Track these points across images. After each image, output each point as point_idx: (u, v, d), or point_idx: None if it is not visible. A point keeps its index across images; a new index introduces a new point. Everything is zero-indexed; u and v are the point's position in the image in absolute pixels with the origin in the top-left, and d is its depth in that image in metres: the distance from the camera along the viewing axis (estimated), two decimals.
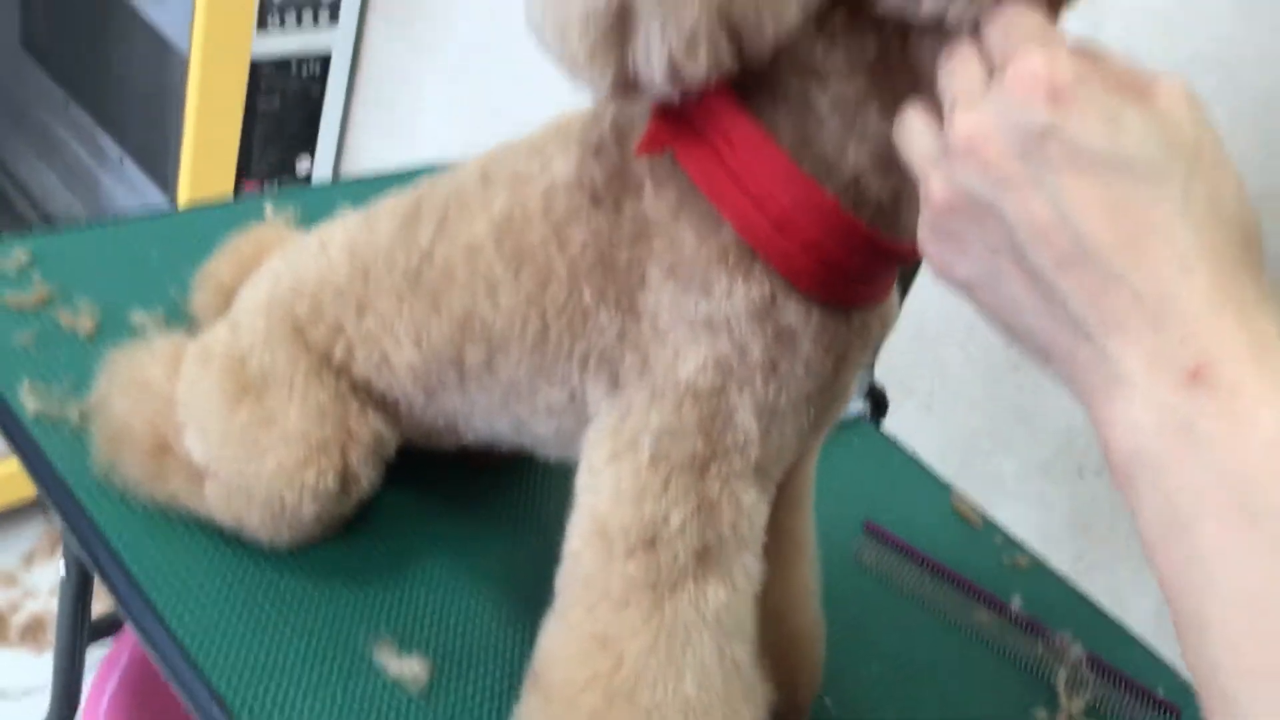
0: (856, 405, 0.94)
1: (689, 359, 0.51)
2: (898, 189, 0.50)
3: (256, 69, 1.49)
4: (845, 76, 0.47)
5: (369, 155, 1.66)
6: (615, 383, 0.54)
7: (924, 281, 0.98)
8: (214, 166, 1.50)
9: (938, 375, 1.14)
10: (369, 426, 0.64)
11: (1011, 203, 0.39)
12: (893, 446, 0.92)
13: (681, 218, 0.51)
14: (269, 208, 0.89)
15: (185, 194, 1.51)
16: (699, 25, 0.44)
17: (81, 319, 0.75)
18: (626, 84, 0.46)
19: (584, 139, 0.54)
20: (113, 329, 0.75)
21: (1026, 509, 1.10)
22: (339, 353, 0.63)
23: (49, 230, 0.82)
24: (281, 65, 1.53)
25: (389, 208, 0.63)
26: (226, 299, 0.71)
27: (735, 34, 0.45)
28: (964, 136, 0.40)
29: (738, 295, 0.50)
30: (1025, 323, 0.41)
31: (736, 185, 0.49)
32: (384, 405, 0.65)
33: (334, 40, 1.55)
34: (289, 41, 1.51)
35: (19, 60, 1.81)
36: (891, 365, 1.16)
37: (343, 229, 0.65)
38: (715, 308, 0.50)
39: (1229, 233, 0.38)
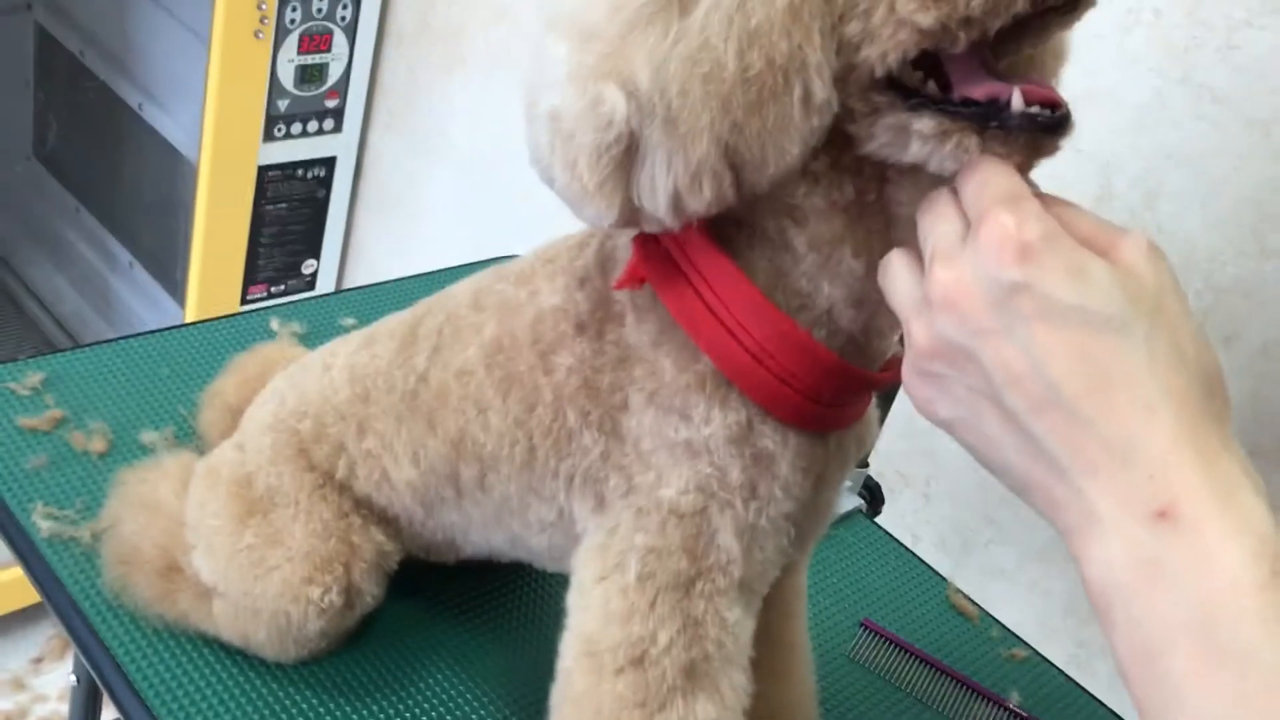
0: (852, 500, 0.96)
1: (671, 481, 0.53)
2: (868, 322, 0.53)
3: (263, 175, 1.53)
4: (823, 217, 0.50)
5: (373, 257, 1.70)
6: (601, 502, 0.56)
7: None
8: (221, 271, 1.54)
9: (934, 464, 1.15)
10: (372, 542, 0.66)
11: (988, 351, 0.42)
12: (889, 540, 0.93)
13: (661, 347, 0.53)
14: (275, 321, 0.91)
15: (193, 298, 1.54)
16: (706, 160, 0.46)
17: (93, 439, 0.77)
18: (630, 215, 0.49)
19: (570, 268, 0.57)
20: (123, 448, 0.77)
21: (1026, 596, 1.11)
22: (341, 471, 0.65)
23: (61, 350, 0.84)
24: (287, 171, 1.57)
25: (387, 329, 0.66)
26: (233, 417, 0.73)
27: (738, 169, 0.47)
28: (942, 289, 0.43)
29: (715, 421, 0.52)
30: (1005, 459, 0.44)
31: (712, 317, 0.51)
32: (386, 520, 0.67)
33: (338, 146, 1.60)
34: (295, 149, 1.55)
35: (31, 169, 1.86)
36: (888, 455, 1.17)
37: (344, 350, 0.68)
38: (694, 433, 0.52)
39: (1190, 379, 0.41)
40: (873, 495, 0.98)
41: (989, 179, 0.44)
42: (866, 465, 0.98)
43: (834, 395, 0.52)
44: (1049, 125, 0.45)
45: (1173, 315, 0.42)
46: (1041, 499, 0.43)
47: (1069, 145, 0.97)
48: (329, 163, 1.61)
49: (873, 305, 0.52)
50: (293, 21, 1.45)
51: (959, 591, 0.91)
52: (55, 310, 1.87)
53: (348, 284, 1.74)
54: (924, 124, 0.46)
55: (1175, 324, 0.41)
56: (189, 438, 0.79)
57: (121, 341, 0.85)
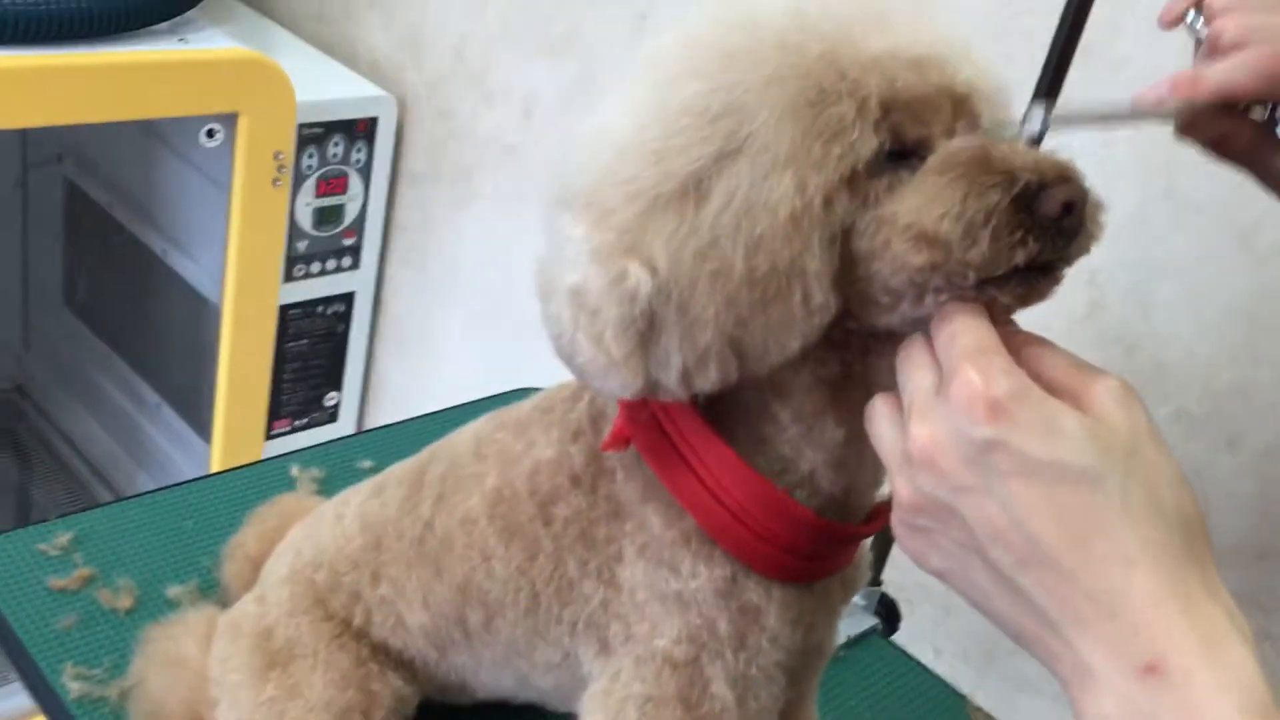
0: (868, 620, 0.96)
1: (664, 631, 0.55)
2: (849, 483, 0.55)
3: (284, 314, 1.58)
4: (808, 392, 0.52)
5: (393, 386, 1.74)
6: (605, 647, 0.58)
7: None
8: (246, 409, 1.58)
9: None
10: (390, 688, 0.68)
11: (969, 508, 0.43)
12: (905, 659, 0.94)
13: (649, 503, 0.55)
14: (295, 468, 0.94)
15: (219, 436, 1.58)
16: (711, 346, 0.48)
17: (121, 596, 0.79)
18: (650, 386, 0.50)
19: (564, 421, 0.59)
20: (150, 604, 0.80)
21: (1052, 706, 1.11)
22: (358, 618, 0.67)
23: (89, 508, 0.87)
24: (308, 308, 1.62)
25: (397, 476, 0.68)
26: (255, 569, 0.76)
27: (742, 356, 0.49)
28: (920, 448, 0.44)
29: (701, 575, 0.54)
30: (998, 610, 0.45)
31: (694, 478, 0.53)
32: (402, 664, 0.68)
33: (356, 283, 1.65)
34: (314, 287, 1.60)
35: (63, 316, 1.92)
36: (906, 568, 1.18)
37: (355, 499, 0.70)
38: (683, 585, 0.54)
39: (1169, 526, 0.41)
40: (889, 612, 0.98)
41: (958, 331, 0.45)
42: (880, 583, 0.99)
43: (815, 550, 0.54)
44: (1045, 268, 0.47)
45: (1148, 462, 0.42)
46: (1038, 649, 0.44)
47: None
48: (348, 298, 1.65)
49: (853, 468, 0.54)
50: (309, 167, 1.51)
51: (979, 709, 0.91)
52: (87, 452, 1.91)
53: (369, 414, 1.77)
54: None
55: (1151, 471, 0.42)
56: (213, 590, 0.81)
57: (147, 496, 0.88)
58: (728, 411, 0.53)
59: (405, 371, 1.72)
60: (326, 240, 1.58)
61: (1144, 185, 0.96)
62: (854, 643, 0.93)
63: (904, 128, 0.48)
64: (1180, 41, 0.92)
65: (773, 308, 0.47)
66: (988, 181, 0.45)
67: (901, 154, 0.48)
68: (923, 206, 0.46)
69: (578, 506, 0.57)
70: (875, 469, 0.55)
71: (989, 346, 0.44)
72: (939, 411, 0.44)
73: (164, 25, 1.33)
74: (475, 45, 1.47)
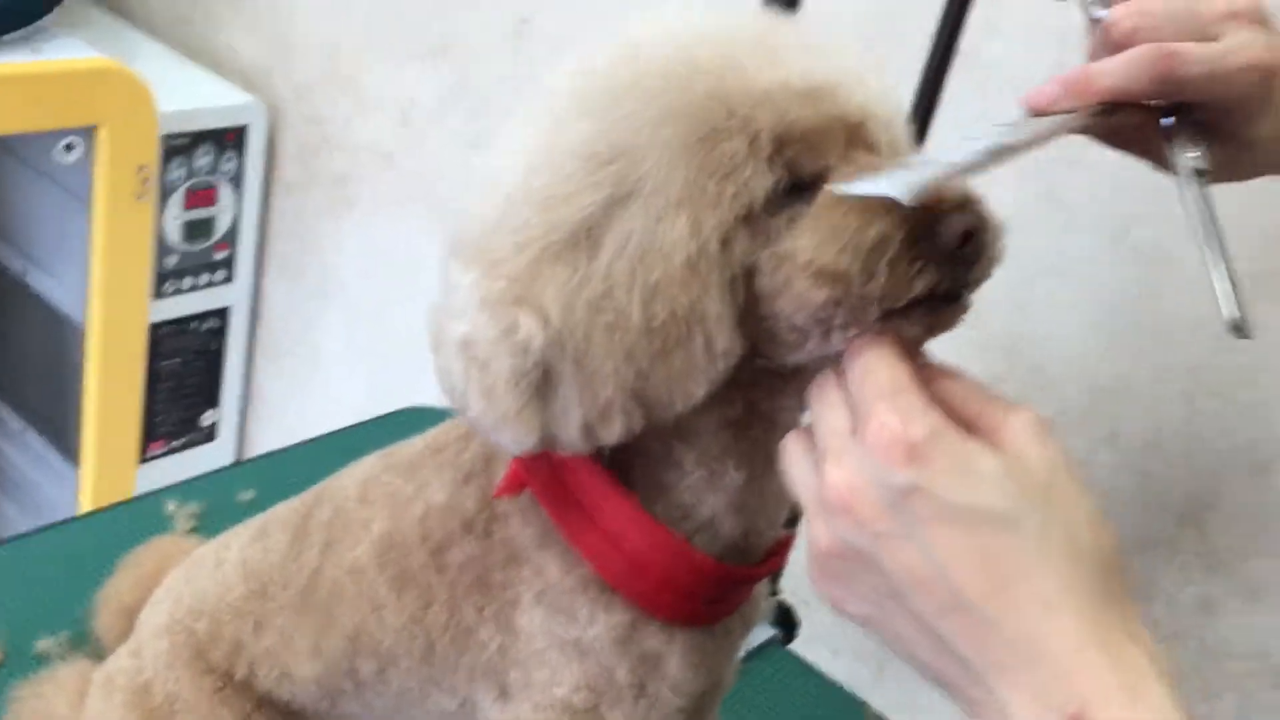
0: (766, 632, 0.96)
1: (564, 679, 0.53)
2: (749, 525, 0.54)
3: (155, 332, 1.52)
4: (712, 434, 0.51)
5: (274, 402, 1.68)
6: (504, 693, 0.56)
7: None
8: (117, 432, 1.51)
9: None
10: None
11: (887, 555, 0.42)
12: (804, 669, 0.94)
13: (546, 549, 0.54)
14: (171, 504, 0.90)
15: (89, 461, 1.51)
16: (614, 400, 0.46)
17: None
18: (548, 439, 0.48)
19: (456, 462, 0.57)
20: (18, 658, 0.75)
21: (950, 701, 1.12)
22: (241, 671, 0.64)
23: None
24: (180, 325, 1.56)
25: (281, 519, 0.65)
26: (129, 619, 0.72)
27: (646, 406, 0.47)
28: (837, 494, 0.43)
29: (600, 623, 0.53)
30: (919, 657, 0.44)
31: (592, 525, 0.52)
32: (289, 716, 0.66)
33: (231, 296, 1.59)
34: (186, 303, 1.55)
35: None
36: (801, 575, 1.18)
37: (237, 543, 0.67)
38: (581, 633, 0.53)
39: (1088, 567, 0.41)
40: (786, 620, 0.98)
41: (870, 368, 0.44)
42: (777, 592, 0.99)
43: (716, 595, 0.54)
44: (948, 296, 0.46)
45: (1065, 500, 0.42)
46: (960, 696, 0.43)
47: None
48: (222, 313, 1.60)
49: (753, 510, 0.53)
50: (177, 179, 1.45)
51: (877, 716, 0.92)
52: None
53: (250, 431, 1.72)
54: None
55: (1068, 509, 0.41)
56: (86, 643, 0.77)
57: (11, 542, 0.83)
58: (627, 457, 0.52)
59: (287, 386, 1.67)
60: (197, 254, 1.52)
61: (1020, 186, 0.98)
62: (755, 655, 0.93)
63: (799, 161, 0.47)
64: (1054, 43, 0.94)
65: (675, 356, 0.46)
66: (885, 213, 0.45)
67: (799, 187, 0.47)
68: (821, 242, 0.45)
69: (472, 552, 0.55)
70: (775, 509, 0.55)
71: (903, 385, 0.43)
72: (854, 454, 0.43)
73: (15, 35, 1.26)
74: (346, 50, 1.43)
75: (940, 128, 0.96)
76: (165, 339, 1.54)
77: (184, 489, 0.93)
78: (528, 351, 0.45)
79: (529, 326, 0.45)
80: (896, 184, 0.44)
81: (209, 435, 1.67)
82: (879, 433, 0.42)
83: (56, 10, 1.35)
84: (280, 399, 1.68)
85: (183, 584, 0.68)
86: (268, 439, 1.69)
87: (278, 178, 1.56)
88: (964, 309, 0.47)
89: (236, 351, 1.63)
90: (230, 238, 1.55)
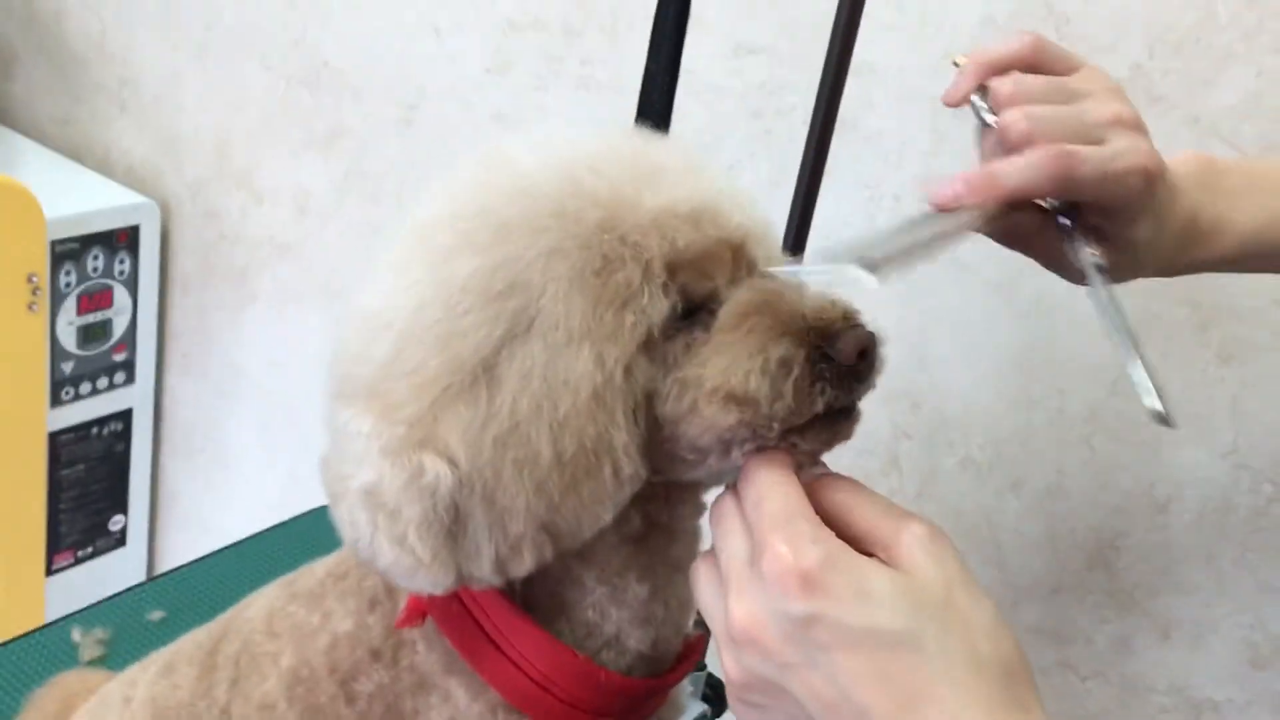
0: (696, 707, 0.96)
1: None
2: (655, 636, 0.54)
3: (55, 441, 1.48)
4: (612, 551, 0.51)
5: (185, 501, 1.65)
6: None
7: None
8: (20, 546, 1.47)
9: None
10: None
11: (796, 683, 0.43)
12: None
13: (452, 675, 0.53)
14: (76, 631, 0.88)
15: None
16: (524, 534, 0.46)
17: None
18: (461, 578, 0.48)
19: (359, 589, 0.56)
20: None
21: None
22: None
23: None
24: (80, 432, 1.52)
25: (187, 654, 0.64)
26: None
27: (555, 536, 0.47)
28: (741, 628, 0.43)
29: None
30: None
31: (495, 650, 0.52)
32: None
33: (133, 397, 1.56)
34: (86, 408, 1.51)
35: None
36: None
37: (144, 679, 0.65)
38: None
39: (990, 677, 0.41)
40: (716, 694, 0.98)
41: (763, 495, 0.45)
42: (703, 666, 0.99)
43: (626, 708, 0.53)
44: (843, 411, 0.47)
45: (963, 612, 0.42)
46: None
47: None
48: (125, 415, 1.56)
49: (659, 620, 0.53)
50: (68, 285, 1.42)
51: None
52: None
53: (161, 533, 1.68)
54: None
55: (966, 619, 0.42)
56: None
57: None
58: (528, 579, 0.52)
59: (197, 485, 1.63)
60: (95, 358, 1.49)
61: None
62: None
63: (691, 285, 0.48)
64: (928, 114, 0.96)
65: (584, 486, 0.46)
66: (783, 334, 0.46)
67: (690, 310, 0.48)
68: (728, 366, 0.46)
69: (381, 681, 0.54)
70: (682, 617, 0.55)
71: (794, 511, 0.44)
72: (754, 586, 0.44)
73: None
74: (237, 144, 1.42)
75: (825, 194, 0.98)
76: (66, 446, 1.50)
77: (90, 614, 0.90)
78: (436, 495, 0.45)
79: (436, 470, 0.45)
80: (848, 256, 0.46)
81: (119, 541, 1.63)
82: (773, 564, 0.42)
83: None
84: (193, 499, 1.64)
85: None
86: (181, 540, 1.65)
87: (174, 275, 1.54)
88: (857, 419, 0.48)
89: (142, 453, 1.60)
90: (129, 338, 1.52)
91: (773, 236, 0.52)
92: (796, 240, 0.88)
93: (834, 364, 0.46)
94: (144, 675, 0.66)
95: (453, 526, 0.46)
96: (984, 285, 0.98)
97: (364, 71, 1.28)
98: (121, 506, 1.61)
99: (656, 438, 0.48)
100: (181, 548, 1.65)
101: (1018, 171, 0.53)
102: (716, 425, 0.46)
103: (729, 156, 1.07)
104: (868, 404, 1.07)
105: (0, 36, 1.60)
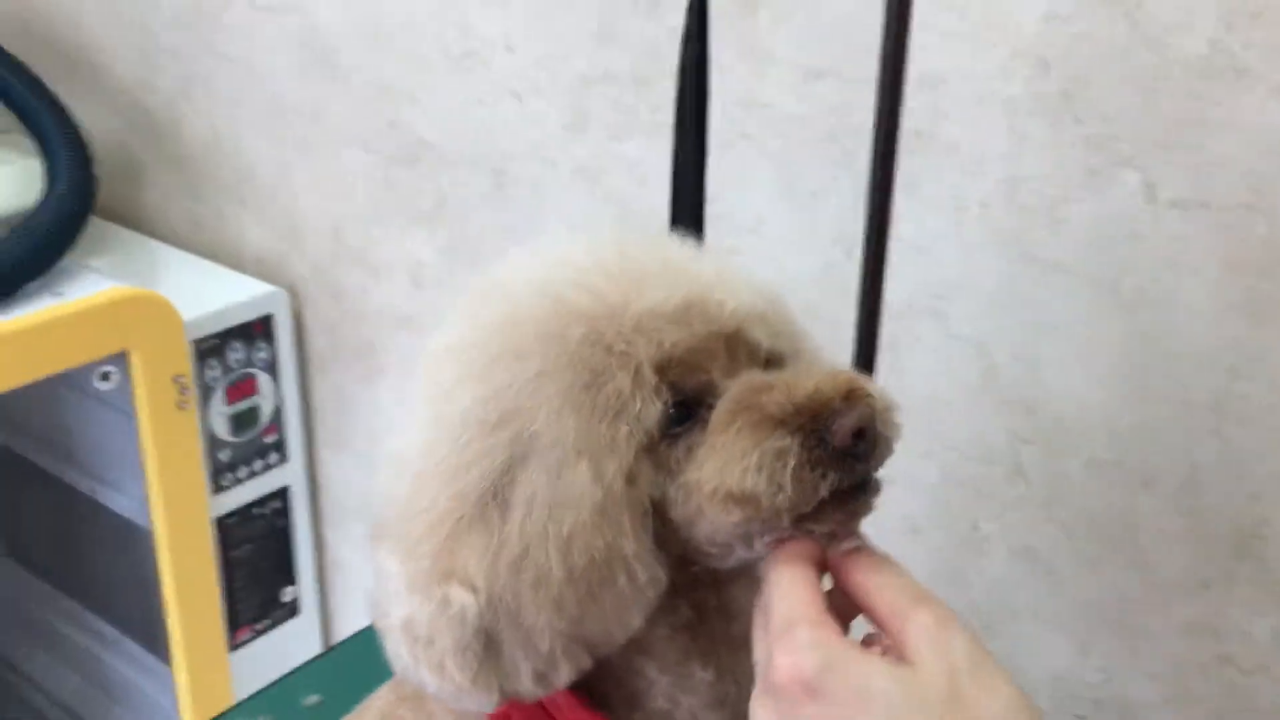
0: None
1: None
2: (734, 714, 0.54)
3: (221, 525, 1.57)
4: (668, 642, 0.52)
5: (351, 569, 1.72)
6: None
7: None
8: (201, 629, 1.56)
9: None
10: None
11: None
12: None
13: None
14: None
15: (180, 661, 1.55)
16: (553, 648, 0.48)
17: None
18: (509, 694, 0.50)
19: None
20: None
21: None
22: None
23: None
24: (244, 514, 1.60)
25: None
26: None
27: (589, 645, 0.49)
28: None
29: None
30: None
31: None
32: None
33: (289, 476, 1.64)
34: (246, 491, 1.59)
35: (8, 568, 1.90)
36: None
37: None
38: None
39: None
40: None
41: (772, 600, 0.46)
42: None
43: None
44: (857, 488, 0.47)
45: (969, 704, 0.42)
46: None
47: (946, 332, 1.00)
48: (283, 493, 1.64)
49: (733, 700, 0.54)
50: (214, 379, 1.51)
51: None
52: (58, 697, 1.88)
53: (331, 600, 1.76)
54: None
55: (972, 712, 0.42)
56: None
57: None
58: (598, 674, 0.53)
59: (358, 550, 1.70)
60: (248, 444, 1.57)
61: (1002, 253, 0.98)
62: None
63: (683, 382, 0.48)
64: (1002, 117, 0.94)
65: (603, 597, 0.47)
66: (776, 426, 0.46)
67: (686, 405, 0.49)
68: (723, 466, 0.46)
69: None
70: None
71: (796, 617, 0.45)
72: (769, 697, 0.45)
73: (34, 283, 1.33)
74: (350, 226, 1.48)
75: (910, 210, 0.97)
76: (232, 529, 1.59)
77: (251, 705, 0.96)
78: (465, 622, 0.47)
79: (460, 598, 0.47)
80: None
81: (292, 611, 1.71)
82: (776, 675, 0.43)
83: (73, 247, 1.42)
84: (356, 563, 1.71)
85: None
86: (351, 604, 1.73)
87: (310, 355, 1.61)
88: (875, 492, 0.48)
89: (303, 527, 1.67)
90: (276, 420, 1.60)
91: (781, 313, 0.52)
92: (874, 260, 0.87)
93: (833, 448, 0.46)
94: None
95: (487, 649, 0.48)
96: (1084, 283, 0.95)
97: (454, 143, 1.32)
98: (290, 579, 1.69)
99: (677, 538, 0.48)
100: (352, 612, 1.73)
101: None
102: (724, 525, 0.47)
103: (812, 183, 1.07)
104: (981, 413, 1.06)
105: (128, 149, 1.71)
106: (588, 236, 0.54)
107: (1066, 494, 1.01)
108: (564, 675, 0.48)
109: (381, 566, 0.49)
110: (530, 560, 0.46)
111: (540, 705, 0.53)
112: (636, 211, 1.18)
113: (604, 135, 1.18)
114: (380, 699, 0.64)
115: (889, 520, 1.11)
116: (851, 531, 0.48)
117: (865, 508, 0.48)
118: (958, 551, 1.10)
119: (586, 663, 0.49)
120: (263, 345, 1.55)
